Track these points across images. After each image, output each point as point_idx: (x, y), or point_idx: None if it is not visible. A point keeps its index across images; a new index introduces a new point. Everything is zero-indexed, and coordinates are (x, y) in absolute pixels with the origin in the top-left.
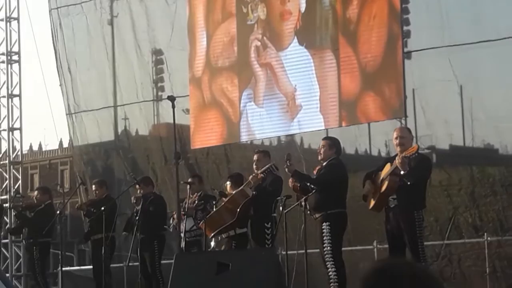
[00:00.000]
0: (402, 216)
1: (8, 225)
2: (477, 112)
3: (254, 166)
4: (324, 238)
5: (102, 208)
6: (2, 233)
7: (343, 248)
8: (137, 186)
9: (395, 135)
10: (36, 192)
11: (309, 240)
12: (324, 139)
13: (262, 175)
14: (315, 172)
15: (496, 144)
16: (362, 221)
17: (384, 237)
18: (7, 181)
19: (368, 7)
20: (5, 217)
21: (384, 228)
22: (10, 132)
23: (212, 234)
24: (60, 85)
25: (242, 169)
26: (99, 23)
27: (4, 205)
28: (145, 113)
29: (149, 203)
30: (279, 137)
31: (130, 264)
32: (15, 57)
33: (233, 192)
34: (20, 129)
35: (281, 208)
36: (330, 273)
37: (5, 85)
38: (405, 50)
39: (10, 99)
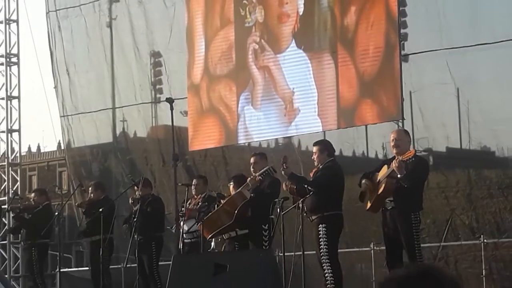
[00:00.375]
0: (399, 218)
1: (6, 227)
2: (474, 115)
3: (252, 169)
4: (321, 240)
5: (100, 210)
6: (0, 234)
7: (340, 250)
8: (135, 187)
9: (391, 137)
10: (33, 194)
11: (306, 242)
12: (314, 145)
13: (260, 177)
14: (311, 174)
15: (493, 147)
16: (359, 223)
17: (381, 239)
18: (6, 183)
19: (366, 15)
20: (3, 219)
21: (381, 230)
22: (9, 134)
23: (210, 236)
24: (55, 87)
25: (239, 171)
26: (98, 25)
27: (2, 206)
28: (143, 115)
29: (147, 204)
30: (276, 139)
31: (128, 265)
32: (14, 59)
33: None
34: (18, 130)
35: (278, 210)
36: (326, 274)
37: (4, 87)
38: (403, 53)
39: (9, 101)
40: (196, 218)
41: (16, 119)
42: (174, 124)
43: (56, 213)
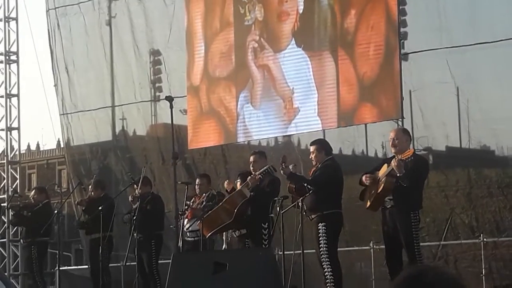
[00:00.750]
0: (399, 216)
1: (5, 225)
2: (474, 114)
3: (251, 168)
4: (320, 238)
5: (100, 208)
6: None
7: (339, 249)
8: (135, 185)
9: (390, 136)
10: (33, 192)
11: (305, 241)
12: (311, 144)
13: (260, 176)
14: (310, 173)
15: (492, 146)
16: (359, 221)
17: (381, 237)
18: (5, 181)
19: (366, 18)
20: (2, 217)
21: (381, 229)
22: (8, 132)
23: (209, 234)
24: (55, 85)
25: (239, 169)
26: (97, 23)
27: (2, 204)
28: (143, 113)
29: (147, 202)
30: (276, 138)
31: (127, 264)
32: (13, 57)
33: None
34: (18, 128)
35: (278, 208)
36: (326, 273)
37: (3, 85)
38: (403, 51)
39: (8, 99)
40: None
41: (16, 117)
42: (174, 122)
43: (56, 211)
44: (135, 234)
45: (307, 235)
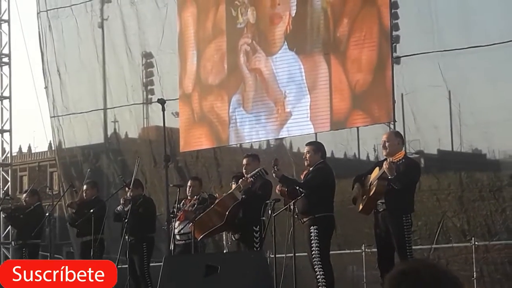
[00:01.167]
0: (391, 220)
1: None
2: (465, 117)
3: (244, 170)
4: (312, 241)
5: (91, 210)
6: None
7: (332, 252)
8: (127, 188)
9: (382, 139)
10: (24, 195)
11: (297, 244)
12: (307, 144)
13: (251, 179)
14: (302, 176)
15: (484, 149)
16: (351, 225)
17: (373, 240)
18: None
19: (358, 27)
20: None
21: (373, 232)
22: (0, 134)
23: (201, 237)
24: (46, 87)
25: (231, 172)
26: (90, 25)
27: None
28: (135, 116)
29: (139, 205)
30: (268, 141)
31: (119, 266)
32: (5, 59)
33: (222, 196)
34: (9, 131)
35: (269, 211)
36: (318, 276)
37: None
38: (395, 55)
39: (0, 101)
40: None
41: (7, 119)
42: (166, 125)
43: (47, 214)
44: (126, 237)
45: (299, 238)
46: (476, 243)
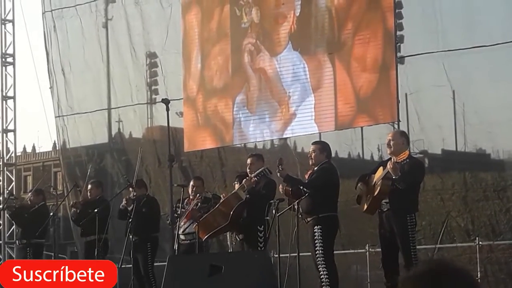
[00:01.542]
0: (395, 219)
1: (1, 227)
2: (470, 117)
3: (248, 170)
4: (316, 241)
5: (96, 210)
6: None
7: (336, 252)
8: (130, 188)
9: (387, 138)
10: (29, 194)
11: (301, 244)
12: (314, 143)
13: (255, 178)
14: (306, 176)
15: (488, 149)
16: (355, 224)
17: (377, 240)
18: (0, 183)
19: (363, 27)
20: None
21: (378, 232)
22: (4, 134)
23: (205, 237)
24: (51, 87)
25: (235, 172)
26: (94, 25)
27: None
28: (139, 115)
29: (142, 205)
30: (272, 140)
31: (123, 266)
32: (9, 59)
33: (227, 195)
34: (14, 131)
35: (274, 211)
36: (322, 276)
37: (0, 87)
38: (399, 55)
39: (4, 101)
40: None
41: (12, 119)
42: (170, 125)
43: (51, 214)
44: (130, 236)
45: (303, 238)
46: (480, 243)
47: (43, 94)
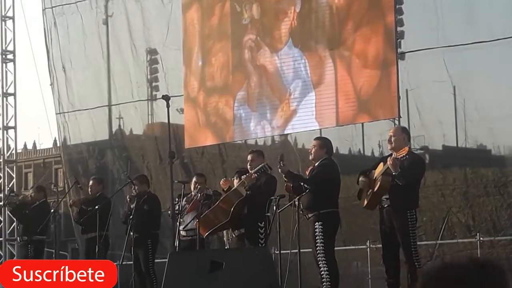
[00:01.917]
0: (395, 215)
1: (1, 224)
2: (470, 113)
3: (248, 166)
4: (317, 237)
5: (96, 207)
6: None
7: (336, 248)
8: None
9: (388, 134)
10: (31, 190)
11: (302, 240)
12: (315, 139)
13: (255, 175)
14: (307, 172)
15: (489, 145)
16: (356, 221)
17: (378, 237)
18: (1, 180)
19: (363, 22)
20: None
21: (378, 228)
22: (5, 131)
23: (206, 233)
24: (51, 84)
25: (236, 168)
26: (94, 22)
27: None
28: (140, 112)
29: (143, 202)
30: (273, 137)
31: (124, 263)
32: (10, 56)
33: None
34: (14, 127)
35: (274, 207)
36: (322, 272)
37: (0, 83)
38: (399, 50)
39: (4, 98)
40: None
41: (12, 116)
42: (171, 121)
43: (52, 210)
44: (131, 233)
45: (303, 235)
46: (481, 238)
47: (44, 91)
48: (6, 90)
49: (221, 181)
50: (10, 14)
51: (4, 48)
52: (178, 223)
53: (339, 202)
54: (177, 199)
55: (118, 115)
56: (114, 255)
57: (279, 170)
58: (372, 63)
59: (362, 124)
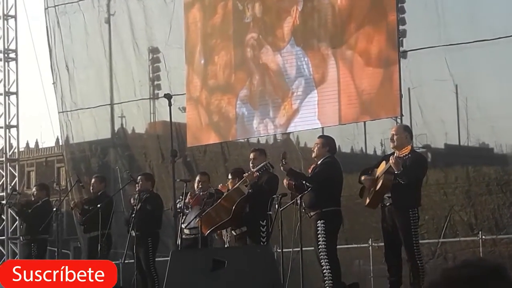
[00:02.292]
0: (397, 214)
1: (4, 223)
2: (472, 112)
3: (251, 165)
4: (319, 236)
5: (98, 205)
6: None
7: (339, 246)
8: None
9: (391, 132)
10: (34, 189)
11: (304, 238)
12: (319, 137)
13: (257, 173)
14: (310, 170)
15: (491, 143)
16: (358, 219)
17: (380, 235)
18: (4, 178)
19: (365, 26)
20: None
21: (380, 226)
22: (7, 130)
23: (208, 232)
24: (54, 83)
25: (238, 167)
26: (97, 21)
27: (2, 202)
28: (143, 111)
29: (145, 201)
30: (275, 135)
31: (126, 261)
32: (12, 55)
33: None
34: (16, 126)
35: (276, 206)
36: (324, 271)
37: (2, 82)
38: (401, 49)
39: (7, 97)
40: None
41: (14, 115)
42: (173, 120)
43: (54, 209)
44: (132, 232)
45: (306, 233)
46: (483, 237)
47: (46, 90)
48: (9, 89)
49: (219, 186)
50: (12, 13)
51: (6, 47)
52: (181, 222)
53: (341, 200)
54: (180, 197)
55: (121, 114)
56: (116, 253)
57: (281, 168)
58: (374, 62)
59: (364, 122)
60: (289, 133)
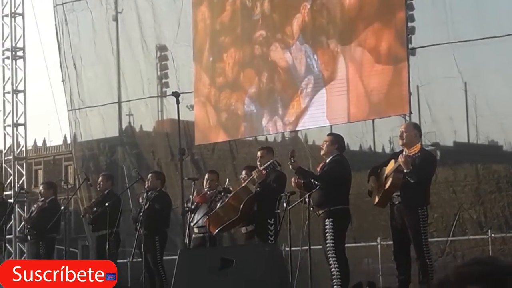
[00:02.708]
0: (406, 212)
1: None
2: (481, 109)
3: (258, 163)
4: (327, 234)
5: (106, 204)
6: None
7: (347, 245)
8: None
9: (400, 129)
10: (41, 187)
11: (312, 237)
12: (328, 135)
13: (265, 171)
14: (318, 169)
15: (500, 141)
16: (366, 217)
17: (389, 233)
18: (12, 177)
19: (374, 23)
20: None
21: (389, 225)
22: (15, 128)
23: (216, 231)
24: (63, 81)
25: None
26: (105, 19)
27: (9, 200)
28: (151, 109)
29: (154, 200)
30: (283, 133)
31: (134, 259)
32: (19, 53)
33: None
34: (24, 124)
35: (284, 204)
36: (332, 269)
37: (10, 81)
38: (410, 46)
39: (14, 95)
40: (208, 204)
41: (22, 113)
42: (181, 118)
43: (62, 208)
44: (141, 230)
45: (314, 231)
46: (492, 235)
47: (54, 88)
48: (16, 87)
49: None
50: (19, 11)
51: (14, 45)
52: (189, 220)
53: (350, 198)
54: (190, 197)
55: (129, 112)
56: (125, 252)
57: (290, 166)
58: (383, 59)
59: (373, 120)
60: (297, 131)
